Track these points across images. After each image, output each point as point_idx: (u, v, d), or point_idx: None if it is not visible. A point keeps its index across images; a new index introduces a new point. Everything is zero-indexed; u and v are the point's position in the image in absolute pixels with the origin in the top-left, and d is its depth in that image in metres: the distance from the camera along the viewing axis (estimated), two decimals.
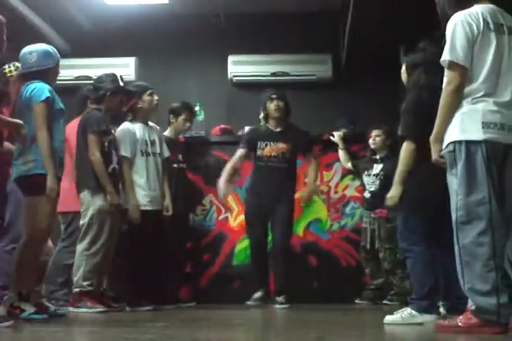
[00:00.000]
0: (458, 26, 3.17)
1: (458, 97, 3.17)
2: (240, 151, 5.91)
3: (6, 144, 4.37)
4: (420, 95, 3.84)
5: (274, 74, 8.51)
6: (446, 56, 3.19)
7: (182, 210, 5.80)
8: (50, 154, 4.08)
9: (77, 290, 4.92)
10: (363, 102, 6.96)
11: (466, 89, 3.18)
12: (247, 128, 6.31)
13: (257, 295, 5.61)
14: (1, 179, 3.82)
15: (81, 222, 5.03)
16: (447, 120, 3.19)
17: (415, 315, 3.75)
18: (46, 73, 4.28)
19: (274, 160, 5.76)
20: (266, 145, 5.79)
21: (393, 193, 3.91)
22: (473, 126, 3.13)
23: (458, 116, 3.17)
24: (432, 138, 3.26)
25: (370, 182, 6.13)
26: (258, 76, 8.52)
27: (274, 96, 5.88)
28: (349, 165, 6.35)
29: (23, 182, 4.13)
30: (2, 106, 3.89)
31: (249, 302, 5.55)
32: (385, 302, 5.91)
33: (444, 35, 3.29)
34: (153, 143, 5.50)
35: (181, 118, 5.95)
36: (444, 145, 3.21)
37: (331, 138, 6.46)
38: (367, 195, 6.15)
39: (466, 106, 3.16)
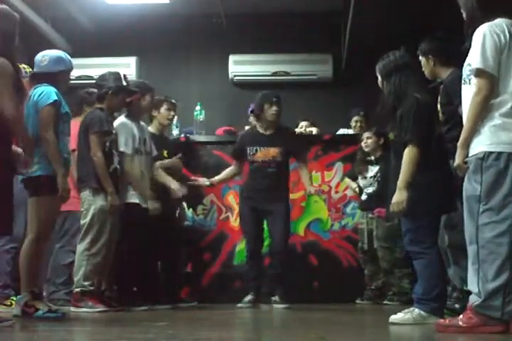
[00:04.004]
0: (487, 36, 3.24)
1: (487, 104, 3.22)
2: (232, 166, 5.89)
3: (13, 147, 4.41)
4: (416, 100, 3.84)
5: (274, 73, 8.53)
6: (476, 64, 3.23)
7: (168, 208, 5.56)
8: (58, 155, 4.22)
9: (78, 290, 4.92)
10: (363, 102, 6.95)
11: (496, 100, 3.24)
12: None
13: (248, 298, 5.55)
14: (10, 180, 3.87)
15: (82, 222, 5.03)
16: (476, 126, 3.24)
17: (425, 316, 3.70)
18: (55, 77, 4.45)
19: (265, 165, 5.62)
20: (256, 150, 5.64)
21: (398, 199, 3.77)
22: (507, 138, 3.19)
23: (490, 127, 3.22)
24: (459, 143, 3.30)
25: (368, 184, 6.12)
26: (259, 76, 8.54)
27: (275, 99, 5.66)
28: (356, 188, 6.31)
29: (28, 183, 4.28)
30: (21, 99, 3.91)
31: (239, 305, 5.52)
32: (385, 302, 5.91)
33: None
34: (145, 141, 5.42)
35: (163, 108, 5.64)
36: (473, 152, 3.25)
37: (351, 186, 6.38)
38: (364, 197, 6.16)
39: (498, 119, 3.21)
